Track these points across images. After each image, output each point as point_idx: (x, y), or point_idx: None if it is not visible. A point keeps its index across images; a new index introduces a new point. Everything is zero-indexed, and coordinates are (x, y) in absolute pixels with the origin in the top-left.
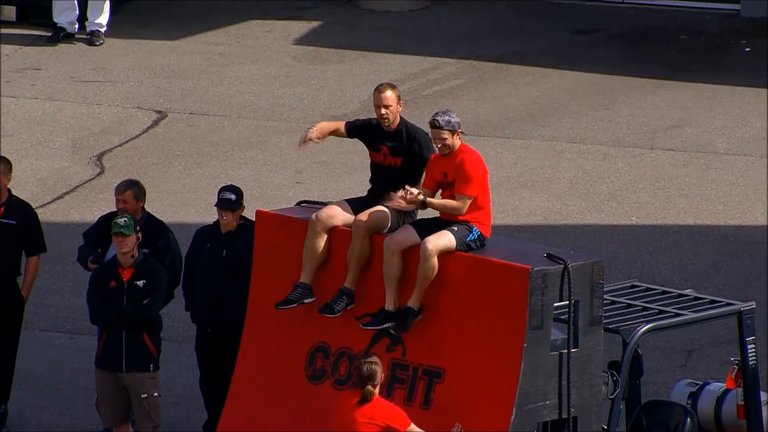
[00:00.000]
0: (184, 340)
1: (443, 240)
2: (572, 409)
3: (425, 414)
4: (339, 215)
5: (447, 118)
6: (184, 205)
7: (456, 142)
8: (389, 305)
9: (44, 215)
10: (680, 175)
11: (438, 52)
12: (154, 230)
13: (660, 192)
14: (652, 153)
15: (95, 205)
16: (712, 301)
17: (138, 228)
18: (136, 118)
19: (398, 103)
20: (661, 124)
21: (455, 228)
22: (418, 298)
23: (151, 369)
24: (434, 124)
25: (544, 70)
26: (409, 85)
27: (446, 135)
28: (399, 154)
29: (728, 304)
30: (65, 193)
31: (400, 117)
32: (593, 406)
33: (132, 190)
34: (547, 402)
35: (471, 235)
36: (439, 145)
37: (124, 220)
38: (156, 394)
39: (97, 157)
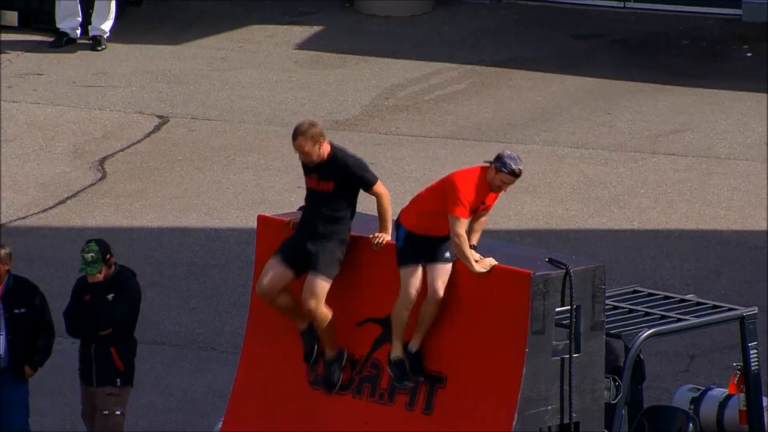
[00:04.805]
0: (186, 345)
1: (445, 275)
2: (574, 414)
3: (427, 419)
4: (280, 281)
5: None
6: (185, 210)
7: None
8: (397, 352)
9: (46, 220)
10: (682, 180)
11: (440, 57)
12: (25, 291)
13: (661, 197)
14: (654, 158)
15: (97, 210)
16: (714, 306)
17: (109, 256)
18: (137, 122)
19: (315, 144)
20: (663, 129)
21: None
22: (420, 339)
23: (118, 384)
24: (518, 173)
25: (546, 75)
26: (410, 90)
27: None
28: (330, 179)
29: (730, 309)
30: (67, 198)
31: (331, 145)
32: (595, 411)
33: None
34: (549, 407)
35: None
36: (505, 189)
37: (92, 256)
38: (119, 412)
39: (98, 162)
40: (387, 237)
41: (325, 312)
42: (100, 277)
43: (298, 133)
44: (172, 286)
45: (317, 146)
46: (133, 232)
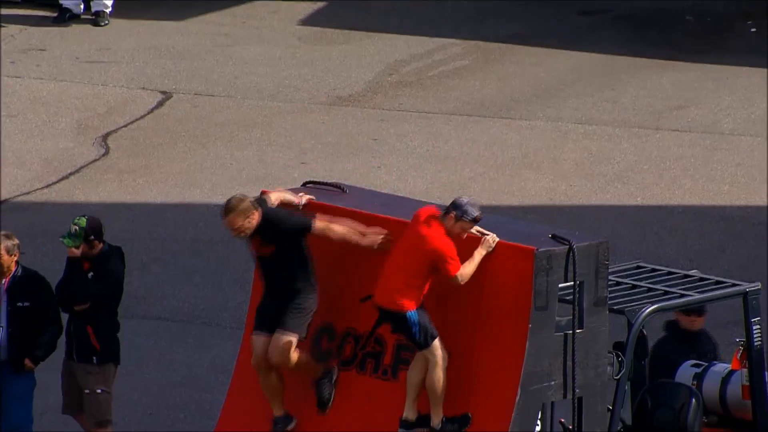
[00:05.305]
0: (189, 320)
1: (430, 354)
2: (577, 390)
3: None
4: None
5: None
6: (189, 185)
7: None
8: (410, 414)
9: (49, 196)
10: (686, 156)
11: (443, 33)
12: (31, 284)
13: (665, 173)
14: (658, 134)
15: (100, 185)
16: (718, 282)
17: (93, 237)
18: (141, 98)
19: (246, 218)
20: (667, 105)
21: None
22: (436, 414)
23: (94, 362)
24: (479, 219)
25: (550, 51)
26: (414, 66)
27: None
28: (270, 242)
29: (733, 285)
30: (70, 174)
31: (260, 208)
32: (598, 386)
33: (5, 244)
34: (552, 383)
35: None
36: (463, 236)
37: (76, 229)
38: (99, 390)
39: (102, 137)
40: (375, 238)
41: (294, 360)
42: (77, 252)
43: (228, 211)
44: (176, 262)
45: (248, 220)
46: (136, 208)
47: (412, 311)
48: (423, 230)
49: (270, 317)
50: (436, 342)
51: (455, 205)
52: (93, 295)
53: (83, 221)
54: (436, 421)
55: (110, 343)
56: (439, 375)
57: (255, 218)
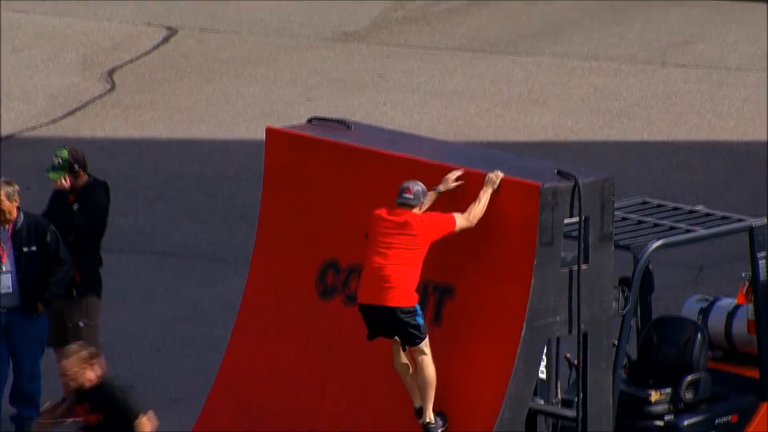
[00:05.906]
0: (195, 256)
1: (425, 347)
2: (582, 325)
3: (436, 330)
4: None
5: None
6: (194, 121)
7: None
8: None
9: (55, 131)
10: (692, 91)
11: None
12: (36, 229)
13: (671, 108)
14: (664, 69)
15: (106, 121)
16: (724, 217)
17: (77, 167)
18: (146, 34)
19: (81, 368)
20: (673, 40)
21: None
22: (429, 409)
23: (74, 295)
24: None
25: None
26: (420, 2)
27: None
28: (98, 410)
29: (739, 220)
30: (76, 109)
31: (102, 365)
32: (604, 322)
33: (5, 190)
34: (558, 318)
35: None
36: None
37: (59, 161)
38: (82, 324)
39: (107, 73)
40: None
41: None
42: (66, 184)
43: (66, 355)
44: (182, 198)
45: (82, 371)
46: (142, 144)
47: (417, 304)
48: (399, 219)
49: None
50: (427, 337)
51: (422, 192)
52: (77, 226)
53: (65, 152)
54: (429, 415)
55: (91, 277)
56: (432, 369)
57: (93, 373)
